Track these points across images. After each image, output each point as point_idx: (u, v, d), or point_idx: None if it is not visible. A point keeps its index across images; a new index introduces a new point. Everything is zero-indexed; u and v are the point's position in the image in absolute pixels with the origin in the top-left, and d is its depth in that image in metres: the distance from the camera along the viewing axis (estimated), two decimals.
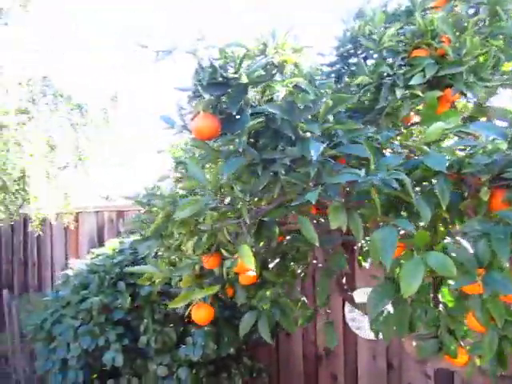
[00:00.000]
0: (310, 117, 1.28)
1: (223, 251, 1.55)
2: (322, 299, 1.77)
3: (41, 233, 4.47)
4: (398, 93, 1.44)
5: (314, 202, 1.21)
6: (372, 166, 1.22)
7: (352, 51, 1.70)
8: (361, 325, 3.17)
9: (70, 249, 4.90)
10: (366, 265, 2.51)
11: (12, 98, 3.20)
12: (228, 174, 1.28)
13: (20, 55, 3.70)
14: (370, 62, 1.78)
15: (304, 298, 2.08)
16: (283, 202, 1.57)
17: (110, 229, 4.60)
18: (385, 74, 1.56)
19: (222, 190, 1.49)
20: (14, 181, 3.32)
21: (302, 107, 1.29)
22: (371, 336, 3.17)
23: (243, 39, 1.27)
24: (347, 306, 3.20)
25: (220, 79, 1.21)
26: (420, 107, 1.80)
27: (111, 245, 3.04)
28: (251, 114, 1.24)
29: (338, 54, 1.71)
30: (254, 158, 1.27)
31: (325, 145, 1.19)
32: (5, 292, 4.47)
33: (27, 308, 4.30)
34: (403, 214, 1.40)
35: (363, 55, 1.69)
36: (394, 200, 1.33)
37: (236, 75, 1.22)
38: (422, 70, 1.46)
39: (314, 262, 2.06)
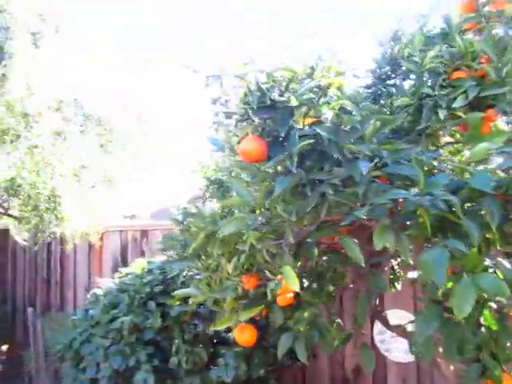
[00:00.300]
0: (355, 138, 1.30)
1: (267, 272, 1.55)
2: (361, 320, 1.75)
3: (64, 252, 4.52)
4: (441, 114, 1.45)
5: (361, 218, 1.22)
6: (421, 186, 1.22)
7: (389, 73, 1.72)
8: (390, 347, 3.11)
9: (93, 268, 4.93)
10: (398, 286, 2.48)
11: (46, 120, 3.30)
12: (275, 194, 1.29)
13: (51, 77, 3.81)
14: (406, 83, 1.80)
15: (339, 320, 2.05)
16: (324, 222, 1.57)
17: (133, 248, 4.62)
18: (424, 95, 1.57)
19: (264, 210, 1.49)
20: (44, 199, 3.39)
21: (347, 129, 1.30)
22: (401, 358, 3.12)
23: (290, 63, 1.29)
24: (376, 328, 3.15)
25: (268, 102, 1.23)
26: (454, 128, 1.81)
27: (139, 264, 3.05)
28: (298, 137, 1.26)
29: (376, 76, 1.73)
30: (301, 179, 1.28)
31: (373, 164, 1.20)
32: (29, 310, 4.51)
33: (51, 327, 4.31)
34: (449, 235, 1.39)
35: (401, 77, 1.70)
36: (441, 221, 1.33)
37: (284, 98, 1.24)
38: (464, 92, 1.47)
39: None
